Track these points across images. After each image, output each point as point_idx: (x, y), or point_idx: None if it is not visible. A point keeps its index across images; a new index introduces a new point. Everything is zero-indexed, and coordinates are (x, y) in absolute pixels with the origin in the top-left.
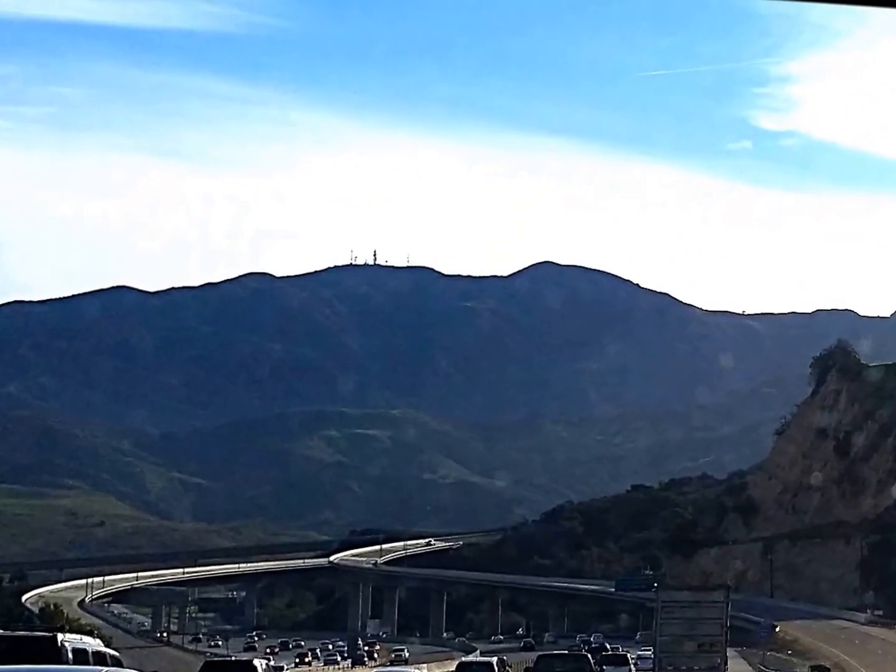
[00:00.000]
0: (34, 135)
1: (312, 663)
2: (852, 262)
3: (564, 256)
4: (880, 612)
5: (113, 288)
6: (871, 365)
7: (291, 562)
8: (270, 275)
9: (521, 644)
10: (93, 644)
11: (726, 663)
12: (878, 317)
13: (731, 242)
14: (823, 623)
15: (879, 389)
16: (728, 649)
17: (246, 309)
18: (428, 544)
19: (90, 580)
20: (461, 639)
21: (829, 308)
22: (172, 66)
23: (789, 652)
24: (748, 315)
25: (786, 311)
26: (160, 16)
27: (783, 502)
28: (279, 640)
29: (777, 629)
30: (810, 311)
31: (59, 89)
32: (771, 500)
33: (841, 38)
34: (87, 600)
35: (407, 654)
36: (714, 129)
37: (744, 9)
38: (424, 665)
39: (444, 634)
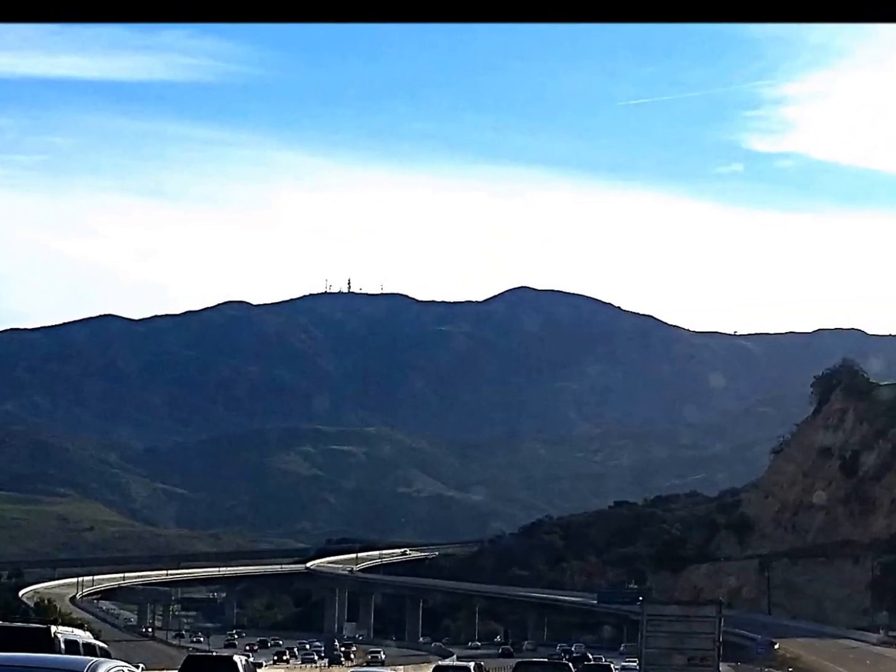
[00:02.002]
0: (29, 180)
1: (290, 661)
2: (858, 281)
3: (542, 282)
4: (895, 633)
5: (101, 316)
6: (882, 384)
7: (270, 567)
8: (248, 303)
9: (500, 651)
10: (83, 636)
11: None
12: (889, 335)
13: (721, 264)
14: (829, 642)
15: (892, 409)
16: (722, 664)
17: (224, 334)
18: (403, 554)
19: (81, 579)
20: (437, 643)
21: (832, 327)
22: (155, 115)
23: (790, 669)
24: (741, 336)
25: (783, 332)
26: (142, 69)
27: (781, 520)
28: (258, 639)
29: (776, 646)
30: (811, 331)
31: (51, 139)
32: (767, 518)
33: (842, 58)
34: (77, 597)
35: (383, 656)
36: (702, 153)
37: (733, 34)
38: (400, 667)
39: (421, 639)
